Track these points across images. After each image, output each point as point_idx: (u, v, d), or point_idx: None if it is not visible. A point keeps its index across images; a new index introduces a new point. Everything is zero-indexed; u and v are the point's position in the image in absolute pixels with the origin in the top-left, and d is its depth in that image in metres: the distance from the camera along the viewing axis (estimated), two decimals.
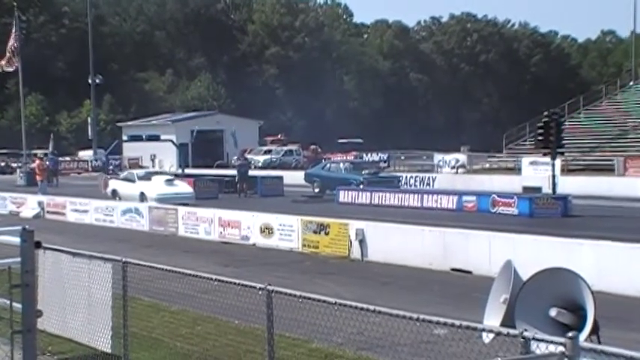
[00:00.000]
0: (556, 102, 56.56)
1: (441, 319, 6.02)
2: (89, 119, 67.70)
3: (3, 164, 63.42)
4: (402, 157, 59.42)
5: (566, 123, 46.03)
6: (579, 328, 6.39)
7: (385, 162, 55.42)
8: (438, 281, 15.37)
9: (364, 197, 31.87)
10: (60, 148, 66.72)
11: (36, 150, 58.63)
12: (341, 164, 39.90)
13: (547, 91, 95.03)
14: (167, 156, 61.02)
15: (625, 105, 59.84)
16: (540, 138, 28.80)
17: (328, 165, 39.86)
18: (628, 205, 29.53)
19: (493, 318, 7.04)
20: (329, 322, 7.22)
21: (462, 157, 52.15)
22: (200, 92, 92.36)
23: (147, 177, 33.68)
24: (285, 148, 64.08)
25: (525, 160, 44.71)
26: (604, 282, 12.50)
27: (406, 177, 41.46)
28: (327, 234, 19.07)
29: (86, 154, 66.45)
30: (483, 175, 44.96)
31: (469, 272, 15.82)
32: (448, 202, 29.10)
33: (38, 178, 38.54)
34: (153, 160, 63.21)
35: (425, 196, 30.62)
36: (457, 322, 5.93)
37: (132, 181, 33.19)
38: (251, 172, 40.59)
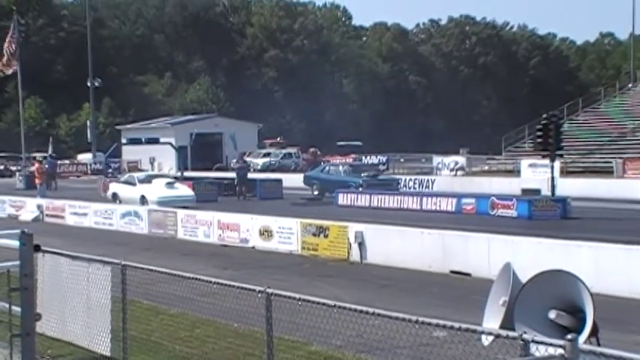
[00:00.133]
0: (555, 104, 56.70)
1: (441, 322, 6.02)
2: (88, 122, 67.68)
3: (2, 167, 63.37)
4: (401, 160, 59.43)
5: (565, 125, 46.11)
6: (578, 331, 6.40)
7: (384, 164, 55.41)
8: (437, 284, 15.37)
9: (363, 200, 31.87)
10: (59, 151, 66.82)
11: (35, 153, 58.62)
12: (340, 167, 39.91)
13: (546, 94, 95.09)
14: (166, 159, 61.05)
15: (624, 107, 59.92)
16: (539, 140, 28.79)
17: (327, 168, 39.85)
18: (627, 207, 29.54)
19: (492, 320, 7.04)
20: (328, 324, 7.22)
21: (461, 160, 52.18)
22: (199, 95, 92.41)
23: (147, 180, 33.59)
24: (284, 151, 64.11)
25: (524, 163, 44.75)
26: (603, 284, 12.50)
27: (405, 179, 41.46)
28: (326, 236, 19.06)
29: (85, 158, 66.42)
30: (482, 178, 44.96)
31: (468, 274, 15.82)
32: (447, 205, 29.09)
33: (37, 181, 38.51)
34: (152, 163, 63.23)
35: (424, 198, 30.62)
36: (456, 325, 5.93)
37: (132, 184, 33.15)
38: (250, 175, 40.62)
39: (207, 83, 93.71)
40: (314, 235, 19.36)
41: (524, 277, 6.98)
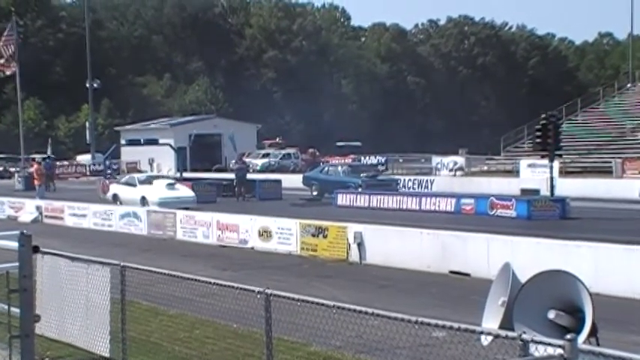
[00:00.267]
0: (554, 104, 56.70)
1: (440, 322, 6.02)
2: (87, 123, 67.65)
3: (1, 169, 63.31)
4: (400, 160, 59.45)
5: (564, 125, 46.14)
6: (578, 331, 6.40)
7: (383, 165, 55.41)
8: (436, 284, 15.37)
9: (362, 200, 31.87)
10: (58, 152, 66.79)
11: (34, 154, 58.58)
12: (339, 167, 39.91)
13: (545, 94, 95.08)
14: (165, 160, 61.01)
15: (623, 107, 59.94)
16: (538, 140, 28.82)
17: (326, 168, 39.85)
18: (626, 207, 29.56)
19: (491, 320, 7.04)
20: (327, 325, 7.22)
21: (460, 160, 52.20)
22: (198, 96, 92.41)
23: (148, 181, 33.54)
24: (283, 152, 64.10)
25: (523, 163, 44.76)
26: (602, 284, 12.51)
27: (404, 180, 41.46)
28: (325, 237, 19.06)
29: (84, 159, 66.38)
30: (481, 178, 44.97)
31: (467, 275, 15.82)
32: (446, 205, 29.09)
33: (36, 182, 38.51)
34: (151, 164, 63.18)
35: (423, 198, 30.62)
36: (456, 325, 5.93)
37: (133, 185, 33.10)
38: (249, 176, 40.61)
39: (206, 84, 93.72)
40: (313, 235, 19.36)
41: (523, 277, 6.98)
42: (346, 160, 52.66)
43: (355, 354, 9.11)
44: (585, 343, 6.22)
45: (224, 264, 18.40)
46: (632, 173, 41.17)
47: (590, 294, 6.64)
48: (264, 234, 20.71)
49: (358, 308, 6.68)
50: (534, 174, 40.16)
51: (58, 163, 58.11)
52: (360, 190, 33.78)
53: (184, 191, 32.65)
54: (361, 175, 37.01)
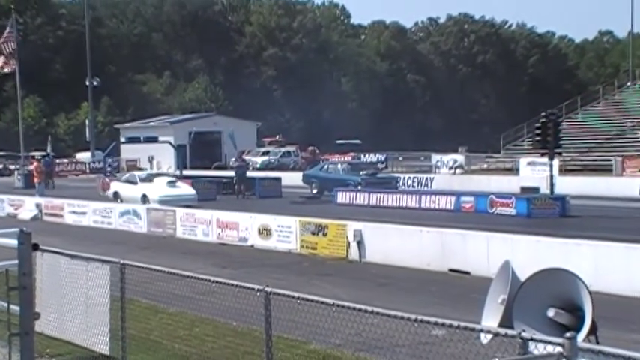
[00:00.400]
0: (553, 102, 56.61)
1: (439, 320, 6.02)
2: (87, 121, 67.64)
3: (1, 166, 63.37)
4: (400, 158, 59.37)
5: (564, 123, 46.11)
6: (577, 329, 6.40)
7: (383, 163, 55.36)
8: (436, 282, 15.37)
9: (362, 198, 31.86)
10: (58, 150, 66.80)
11: (34, 152, 58.55)
12: (339, 165, 39.90)
13: (544, 92, 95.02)
14: (165, 158, 60.99)
15: (622, 105, 59.90)
16: (538, 138, 28.82)
17: (326, 166, 39.84)
18: (626, 206, 29.55)
19: (491, 318, 7.03)
20: (327, 323, 7.22)
21: (459, 158, 52.19)
22: (198, 94, 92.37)
23: (149, 179, 33.55)
24: (283, 150, 64.08)
25: (523, 161, 44.74)
26: (602, 282, 12.51)
27: (404, 178, 41.43)
28: (325, 235, 19.07)
29: (84, 156, 66.38)
30: (481, 176, 44.94)
31: (467, 273, 15.82)
32: (446, 203, 29.09)
33: (36, 180, 38.50)
34: (151, 162, 63.18)
35: (423, 196, 30.61)
36: (455, 323, 5.93)
37: (134, 183, 33.12)
38: (249, 174, 40.59)
39: (206, 82, 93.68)
40: (313, 233, 19.36)
41: (523, 275, 6.98)
42: (346, 158, 52.59)
43: (355, 352, 9.12)
44: (585, 341, 6.22)
45: (224, 262, 18.40)
46: (632, 171, 41.16)
47: (590, 292, 6.64)
48: (264, 232, 20.71)
49: (358, 306, 6.68)
50: (534, 172, 40.14)
51: (57, 160, 58.17)
52: (359, 188, 33.79)
53: (185, 189, 32.66)
54: (361, 173, 37.00)
